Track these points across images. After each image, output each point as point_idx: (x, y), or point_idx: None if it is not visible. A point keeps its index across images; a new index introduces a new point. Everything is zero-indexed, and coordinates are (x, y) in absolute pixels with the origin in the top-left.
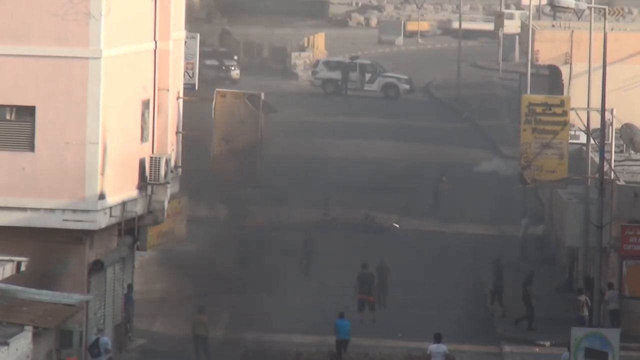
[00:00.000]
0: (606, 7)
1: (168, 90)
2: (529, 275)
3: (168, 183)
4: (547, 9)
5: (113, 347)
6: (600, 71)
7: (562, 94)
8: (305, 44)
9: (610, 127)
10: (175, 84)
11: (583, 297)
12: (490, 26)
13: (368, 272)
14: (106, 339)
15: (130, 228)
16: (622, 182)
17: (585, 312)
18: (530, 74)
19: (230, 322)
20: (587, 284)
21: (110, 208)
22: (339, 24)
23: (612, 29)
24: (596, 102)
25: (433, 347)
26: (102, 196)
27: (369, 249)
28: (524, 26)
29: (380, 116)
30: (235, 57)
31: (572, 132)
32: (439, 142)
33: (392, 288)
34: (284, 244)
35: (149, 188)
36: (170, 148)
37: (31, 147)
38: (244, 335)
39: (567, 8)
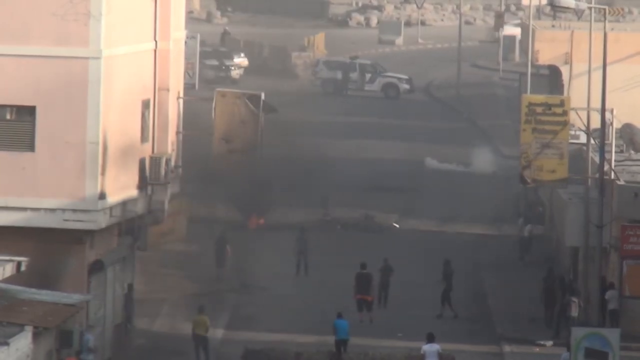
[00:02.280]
0: (606, 7)
1: (168, 90)
2: (549, 274)
3: (168, 183)
4: (547, 9)
5: (110, 345)
6: (600, 71)
7: (562, 94)
8: (306, 44)
9: (610, 127)
10: (176, 83)
11: (576, 298)
12: None
13: (366, 272)
14: (88, 337)
15: (130, 228)
16: (622, 182)
17: (575, 313)
18: (531, 74)
19: (230, 322)
20: (562, 285)
21: (111, 208)
22: (339, 23)
23: (612, 29)
24: (596, 102)
25: (426, 347)
26: (102, 196)
27: (369, 249)
28: (524, 26)
29: (381, 116)
30: (242, 54)
31: (572, 132)
32: (439, 142)
33: (392, 288)
34: (283, 243)
35: (149, 188)
36: (171, 148)
37: (31, 147)
38: (244, 335)
39: (567, 8)
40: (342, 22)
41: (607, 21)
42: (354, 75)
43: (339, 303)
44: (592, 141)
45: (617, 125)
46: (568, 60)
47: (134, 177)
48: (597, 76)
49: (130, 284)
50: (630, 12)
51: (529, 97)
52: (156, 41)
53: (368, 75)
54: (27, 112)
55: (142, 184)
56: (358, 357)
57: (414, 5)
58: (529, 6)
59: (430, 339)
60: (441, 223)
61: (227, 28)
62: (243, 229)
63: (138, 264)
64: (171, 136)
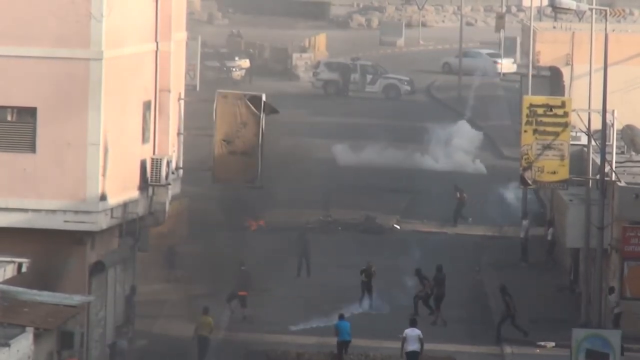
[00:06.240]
0: (607, 9)
1: (169, 91)
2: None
3: (169, 184)
4: (548, 10)
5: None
6: (602, 72)
7: (563, 95)
8: (307, 45)
9: (612, 129)
10: (177, 85)
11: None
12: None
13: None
14: (122, 342)
15: (131, 229)
16: (623, 184)
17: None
18: (532, 75)
19: (231, 323)
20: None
21: (112, 209)
22: (340, 25)
23: (613, 30)
24: (597, 104)
25: (408, 331)
26: (103, 197)
27: (369, 250)
28: (525, 27)
29: (381, 117)
30: (237, 58)
31: (573, 134)
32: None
33: (391, 289)
34: (284, 244)
35: (150, 189)
36: (172, 149)
37: (32, 148)
38: (245, 336)
39: (568, 9)
40: (343, 23)
41: (608, 22)
42: (355, 77)
43: (340, 304)
44: (593, 142)
45: (618, 126)
46: (569, 62)
47: (135, 179)
48: (598, 77)
49: (133, 286)
50: (631, 13)
51: (530, 98)
52: (157, 42)
53: (369, 77)
54: (28, 114)
55: (143, 185)
56: (359, 358)
57: (415, 7)
58: (530, 7)
59: (413, 324)
60: (441, 224)
61: (235, 30)
62: (244, 231)
63: (139, 265)
64: (172, 137)
